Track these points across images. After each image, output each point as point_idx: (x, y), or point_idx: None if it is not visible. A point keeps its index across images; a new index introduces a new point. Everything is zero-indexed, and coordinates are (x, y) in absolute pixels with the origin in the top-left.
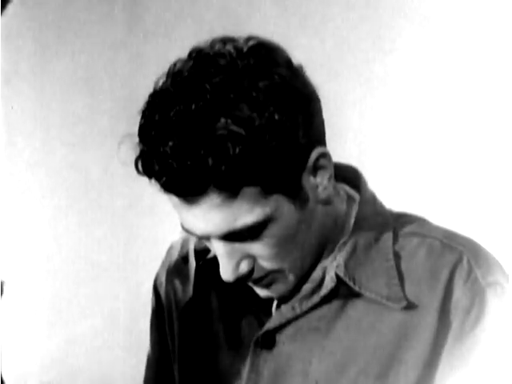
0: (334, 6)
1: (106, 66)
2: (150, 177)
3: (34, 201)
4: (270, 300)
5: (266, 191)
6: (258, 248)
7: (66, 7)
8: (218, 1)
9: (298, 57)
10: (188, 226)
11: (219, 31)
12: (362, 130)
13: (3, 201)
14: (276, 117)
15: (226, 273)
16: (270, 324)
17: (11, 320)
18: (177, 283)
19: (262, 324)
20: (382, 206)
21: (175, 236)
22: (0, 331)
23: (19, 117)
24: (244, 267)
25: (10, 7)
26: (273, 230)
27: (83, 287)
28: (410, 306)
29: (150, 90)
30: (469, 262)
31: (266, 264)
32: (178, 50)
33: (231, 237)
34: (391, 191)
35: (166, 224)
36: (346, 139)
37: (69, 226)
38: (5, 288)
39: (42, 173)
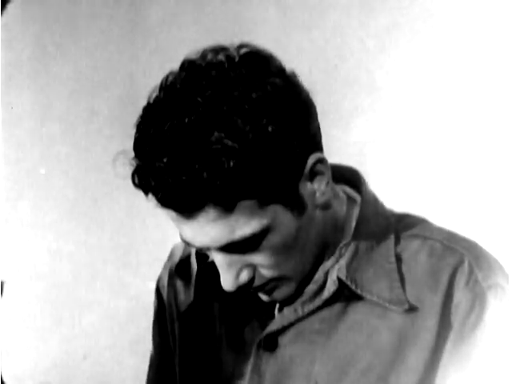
0: (335, 7)
1: (106, 66)
2: (146, 192)
3: (35, 201)
4: (272, 302)
5: (263, 202)
6: (257, 258)
7: (67, 7)
8: (219, 1)
9: (297, 57)
10: (186, 238)
11: (219, 31)
12: (362, 132)
13: (3, 201)
14: (269, 129)
15: (227, 283)
16: (273, 326)
17: (11, 320)
18: (179, 286)
19: (264, 326)
20: (383, 207)
21: (176, 238)
22: (0, 331)
23: (19, 117)
24: (244, 276)
25: (10, 7)
26: (272, 240)
27: (83, 288)
28: (412, 309)
29: (151, 91)
30: (470, 264)
31: (267, 272)
32: (179, 51)
33: (230, 248)
34: (392, 192)
35: (166, 226)
36: (346, 141)
37: (69, 227)
38: (5, 288)
39: (42, 173)
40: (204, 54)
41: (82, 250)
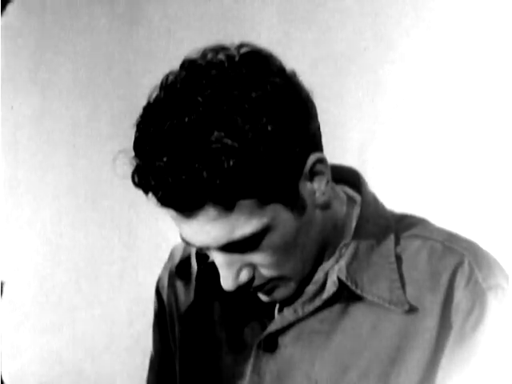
0: (335, 6)
1: (106, 66)
2: (146, 191)
3: (34, 201)
4: (272, 303)
5: (263, 202)
6: (257, 257)
7: (66, 7)
8: (219, 1)
9: (298, 57)
10: (186, 237)
11: (219, 31)
12: (362, 132)
13: (3, 201)
14: (269, 128)
15: (227, 282)
16: (273, 327)
17: (11, 320)
18: (179, 286)
19: (264, 327)
20: (383, 208)
21: (176, 238)
22: (0, 331)
23: (19, 117)
24: (244, 276)
25: (10, 7)
26: (271, 239)
27: (83, 288)
28: (412, 310)
29: (151, 90)
30: (470, 264)
31: (267, 272)
32: (179, 51)
33: (230, 248)
34: (392, 192)
35: (166, 226)
36: (346, 141)
37: (69, 227)
38: (5, 288)
39: (42, 173)
40: (204, 54)
41: (82, 251)
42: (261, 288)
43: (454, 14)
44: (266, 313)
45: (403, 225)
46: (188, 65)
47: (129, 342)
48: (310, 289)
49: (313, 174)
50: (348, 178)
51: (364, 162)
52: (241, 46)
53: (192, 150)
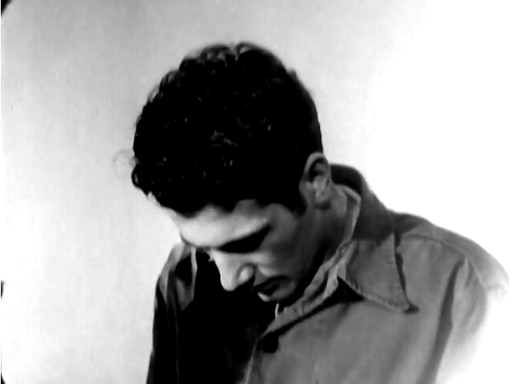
0: (334, 6)
1: (106, 66)
2: (146, 191)
3: (35, 201)
4: (272, 303)
5: (263, 202)
6: (257, 257)
7: (66, 8)
8: (219, 0)
9: (298, 57)
10: (187, 237)
11: (220, 31)
12: (362, 131)
13: (3, 201)
14: (269, 128)
15: (227, 282)
16: (273, 327)
17: (11, 320)
18: (179, 286)
19: (264, 327)
20: (383, 208)
21: (176, 238)
22: (0, 331)
23: (19, 117)
24: (244, 276)
25: (10, 7)
26: (271, 239)
27: (83, 288)
28: (412, 309)
29: (151, 90)
30: (470, 264)
31: (267, 271)
32: (179, 51)
33: (230, 247)
34: (392, 192)
35: (166, 226)
36: (346, 141)
37: (69, 227)
38: (5, 288)
39: (42, 173)
40: (204, 54)
41: (82, 251)
42: (261, 288)
43: (453, 15)
44: (266, 313)
45: (403, 225)
46: (188, 65)
47: (129, 342)
48: (310, 288)
49: (313, 174)
50: (348, 177)
51: (364, 162)
52: (240, 45)
53: (192, 150)
